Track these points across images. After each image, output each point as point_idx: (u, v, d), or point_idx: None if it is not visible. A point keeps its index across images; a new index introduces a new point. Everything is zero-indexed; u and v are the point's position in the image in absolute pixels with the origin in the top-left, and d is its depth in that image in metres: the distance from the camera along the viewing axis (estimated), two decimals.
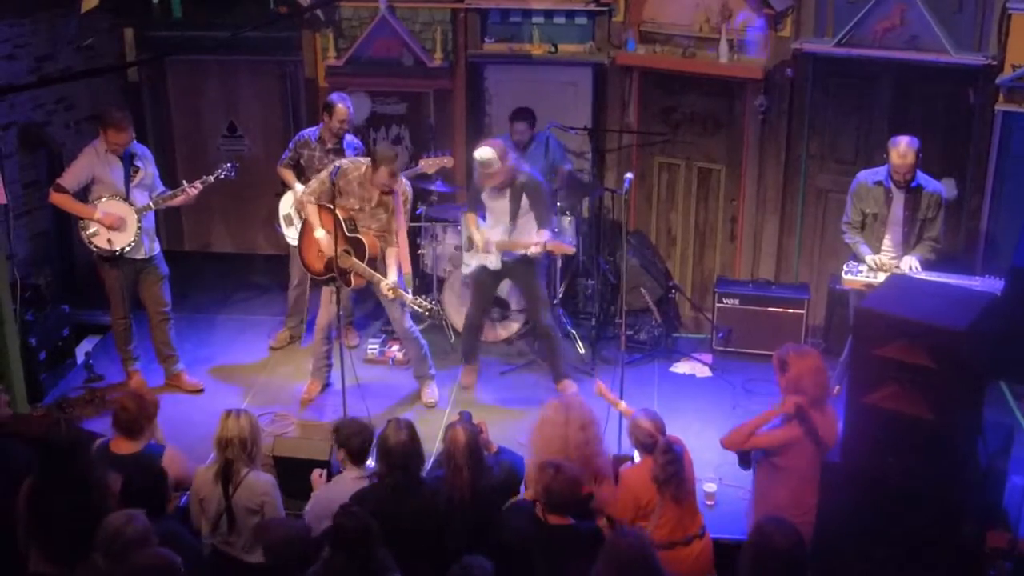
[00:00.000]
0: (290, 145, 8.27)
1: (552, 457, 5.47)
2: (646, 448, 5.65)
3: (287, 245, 8.47)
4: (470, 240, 7.76)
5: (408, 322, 7.63)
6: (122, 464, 5.69)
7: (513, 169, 7.43)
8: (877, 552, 5.11)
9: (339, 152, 8.07)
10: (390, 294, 7.29)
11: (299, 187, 8.08)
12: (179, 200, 7.72)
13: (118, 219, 7.46)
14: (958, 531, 5.02)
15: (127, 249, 7.52)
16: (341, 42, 9.42)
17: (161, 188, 7.77)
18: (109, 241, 7.47)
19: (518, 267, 7.68)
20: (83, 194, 7.51)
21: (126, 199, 7.52)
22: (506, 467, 5.81)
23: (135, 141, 7.62)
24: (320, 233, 7.42)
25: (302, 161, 8.16)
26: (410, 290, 7.41)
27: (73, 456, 5.38)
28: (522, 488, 5.83)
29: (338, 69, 9.38)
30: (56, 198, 7.51)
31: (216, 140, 10.14)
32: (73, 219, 7.66)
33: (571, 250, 7.99)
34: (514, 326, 8.63)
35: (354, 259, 7.29)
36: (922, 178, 7.19)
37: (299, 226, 8.14)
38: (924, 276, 6.94)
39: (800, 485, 5.65)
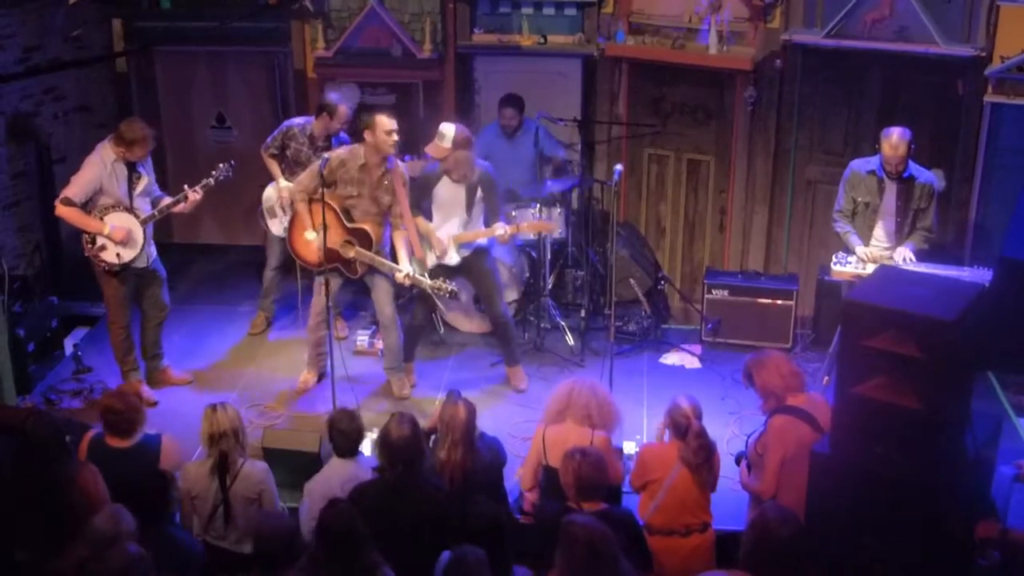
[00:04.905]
0: (275, 132, 8.22)
1: (559, 421, 5.81)
2: (679, 430, 5.67)
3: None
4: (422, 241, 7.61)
5: (393, 309, 7.60)
6: (118, 458, 5.68)
7: (468, 160, 7.37)
8: (866, 542, 5.12)
9: (327, 149, 8.05)
10: (407, 282, 7.27)
11: (283, 183, 8.12)
12: (180, 207, 7.50)
13: (127, 233, 7.23)
14: (947, 521, 5.03)
15: (135, 262, 7.38)
16: (330, 33, 9.39)
17: (158, 192, 7.58)
18: (118, 255, 7.27)
19: (471, 261, 7.63)
20: (85, 205, 7.22)
21: (130, 210, 7.30)
22: (493, 449, 5.89)
23: None
24: (312, 235, 7.40)
25: (288, 152, 8.14)
26: (427, 275, 7.38)
27: (46, 449, 5.37)
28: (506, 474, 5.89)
29: (327, 60, 9.36)
30: (63, 211, 7.17)
31: (205, 131, 10.11)
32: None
33: (551, 226, 7.88)
34: None
35: (359, 249, 7.26)
36: (914, 168, 7.21)
37: (283, 218, 8.14)
38: (913, 267, 6.99)
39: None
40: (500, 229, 7.42)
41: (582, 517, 4.79)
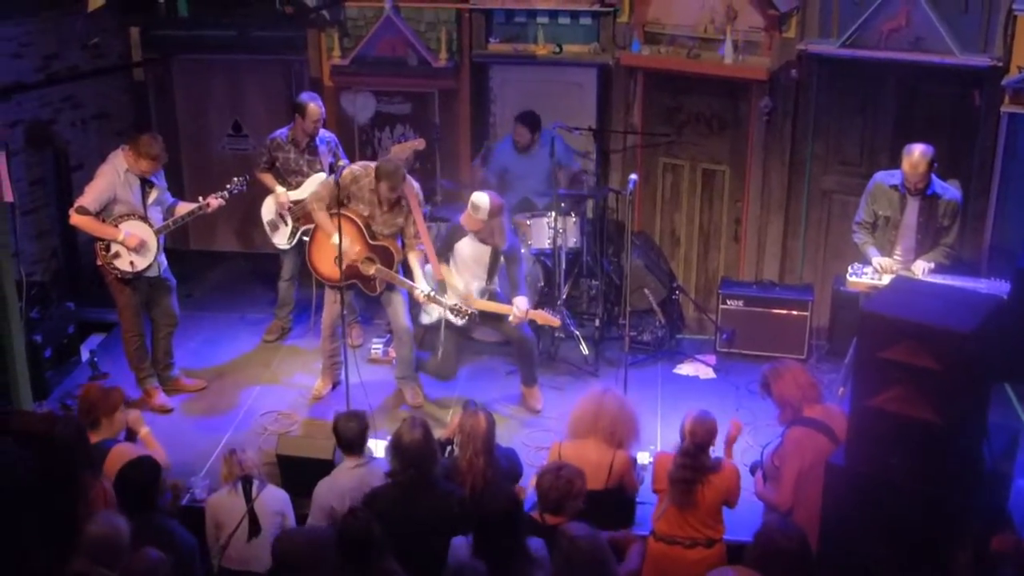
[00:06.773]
0: (262, 149, 8.32)
1: (582, 437, 5.88)
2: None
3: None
4: (443, 288, 7.59)
5: (407, 321, 7.63)
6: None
7: (501, 227, 7.39)
8: (881, 555, 5.11)
9: (313, 151, 8.12)
10: (426, 301, 7.30)
11: (280, 189, 8.17)
12: (193, 216, 7.60)
13: (140, 241, 7.26)
14: (963, 534, 5.02)
15: (147, 271, 7.41)
16: (346, 42, 9.43)
17: (171, 200, 7.61)
18: (131, 263, 7.30)
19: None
20: (99, 214, 7.25)
21: (144, 219, 7.34)
22: (510, 459, 5.96)
23: None
24: (336, 239, 7.43)
25: (278, 164, 8.20)
26: (446, 296, 7.40)
27: (71, 452, 5.41)
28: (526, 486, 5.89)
29: (343, 68, 9.39)
30: (78, 220, 7.22)
31: (221, 139, 10.16)
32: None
33: (556, 322, 7.76)
34: None
35: (379, 266, 7.30)
36: (938, 186, 7.11)
37: (284, 231, 8.19)
38: (930, 278, 6.95)
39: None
40: (518, 310, 7.39)
41: (578, 528, 4.83)
